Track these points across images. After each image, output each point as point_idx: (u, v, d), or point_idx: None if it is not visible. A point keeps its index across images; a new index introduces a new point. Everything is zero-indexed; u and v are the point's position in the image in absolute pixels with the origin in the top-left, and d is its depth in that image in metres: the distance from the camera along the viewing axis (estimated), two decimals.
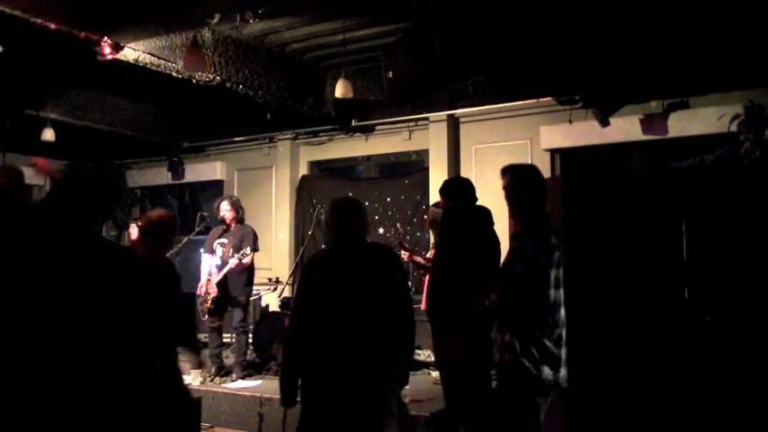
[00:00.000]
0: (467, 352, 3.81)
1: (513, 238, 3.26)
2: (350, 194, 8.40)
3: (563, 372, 3.10)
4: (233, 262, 5.98)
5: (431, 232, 4.36)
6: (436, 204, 4.84)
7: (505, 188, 3.29)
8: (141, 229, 3.62)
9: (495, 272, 3.50)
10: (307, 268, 3.30)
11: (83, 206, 2.25)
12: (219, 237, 6.31)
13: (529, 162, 7.10)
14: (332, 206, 3.24)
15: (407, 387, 3.46)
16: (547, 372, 3.05)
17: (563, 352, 3.10)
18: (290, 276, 6.69)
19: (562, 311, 3.13)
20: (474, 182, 4.42)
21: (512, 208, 3.30)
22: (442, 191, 4.32)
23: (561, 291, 3.13)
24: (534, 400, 3.11)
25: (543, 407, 3.15)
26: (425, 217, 4.72)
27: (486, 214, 4.15)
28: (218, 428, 5.43)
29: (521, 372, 3.06)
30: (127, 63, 5.43)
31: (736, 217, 4.37)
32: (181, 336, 3.69)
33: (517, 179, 3.27)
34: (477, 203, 4.29)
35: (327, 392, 2.99)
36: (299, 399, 3.15)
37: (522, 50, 4.88)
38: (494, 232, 4.14)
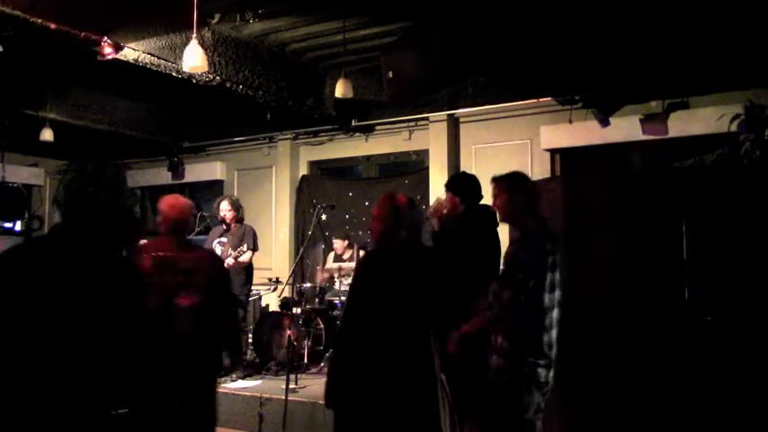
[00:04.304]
0: (468, 353, 3.81)
1: (511, 245, 3.29)
2: (350, 194, 8.45)
3: (552, 372, 3.19)
4: (229, 260, 5.98)
5: (434, 222, 4.32)
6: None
7: (494, 196, 3.36)
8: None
9: (495, 276, 3.55)
10: (371, 267, 3.13)
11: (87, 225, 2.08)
12: (220, 236, 6.33)
13: (529, 162, 7.11)
14: (396, 204, 3.10)
15: None
16: (541, 373, 3.13)
17: (553, 353, 3.19)
18: (290, 276, 6.68)
19: (555, 313, 3.22)
20: None
21: (501, 214, 3.36)
22: (453, 187, 4.29)
23: (555, 293, 3.22)
24: (524, 399, 3.15)
25: (540, 406, 3.20)
26: (431, 204, 4.65)
27: (493, 215, 4.15)
28: (219, 428, 5.41)
29: (514, 374, 3.13)
30: (127, 63, 5.43)
31: (737, 217, 4.37)
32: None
33: (504, 186, 3.35)
34: (483, 203, 4.29)
35: (383, 393, 2.91)
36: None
37: (521, 50, 4.88)
38: (497, 233, 4.14)
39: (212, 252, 3.91)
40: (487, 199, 4.04)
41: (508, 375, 3.15)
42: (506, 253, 3.33)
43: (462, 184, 4.29)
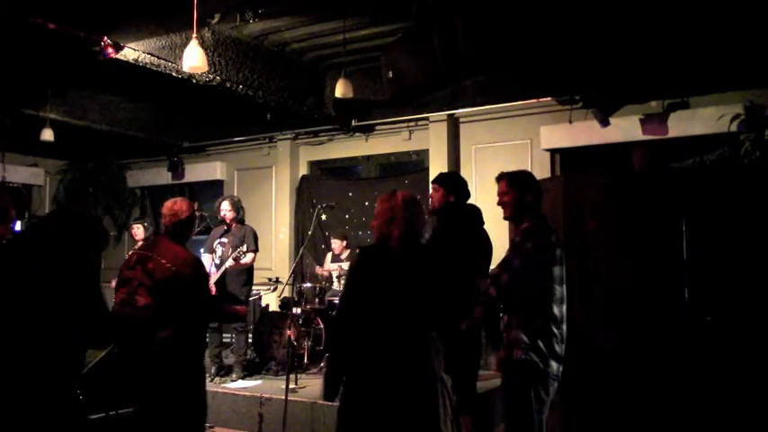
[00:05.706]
0: (464, 349, 3.84)
1: (515, 236, 3.31)
2: (350, 194, 8.45)
3: (561, 366, 3.19)
4: (229, 262, 5.98)
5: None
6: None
7: (501, 193, 3.36)
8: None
9: (487, 271, 3.56)
10: (365, 264, 3.09)
11: None
12: (220, 237, 6.32)
13: (529, 162, 7.12)
14: (400, 200, 3.05)
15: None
16: (554, 366, 3.13)
17: (563, 347, 3.19)
18: (290, 276, 6.68)
19: (565, 307, 3.21)
20: (474, 182, 4.44)
21: (508, 211, 3.36)
22: (445, 183, 4.31)
23: (564, 287, 3.22)
24: (540, 393, 3.14)
25: (548, 400, 3.21)
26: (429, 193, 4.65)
27: (478, 213, 4.19)
28: (218, 428, 5.42)
29: (529, 367, 3.11)
30: (127, 63, 5.43)
31: (737, 217, 4.37)
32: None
33: (513, 183, 3.35)
34: (470, 203, 4.32)
35: (381, 389, 2.87)
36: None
37: (521, 50, 4.88)
38: (485, 231, 4.18)
39: (184, 258, 3.69)
40: (492, 197, 4.07)
41: (523, 369, 3.13)
42: (510, 245, 3.33)
43: (454, 181, 4.32)
